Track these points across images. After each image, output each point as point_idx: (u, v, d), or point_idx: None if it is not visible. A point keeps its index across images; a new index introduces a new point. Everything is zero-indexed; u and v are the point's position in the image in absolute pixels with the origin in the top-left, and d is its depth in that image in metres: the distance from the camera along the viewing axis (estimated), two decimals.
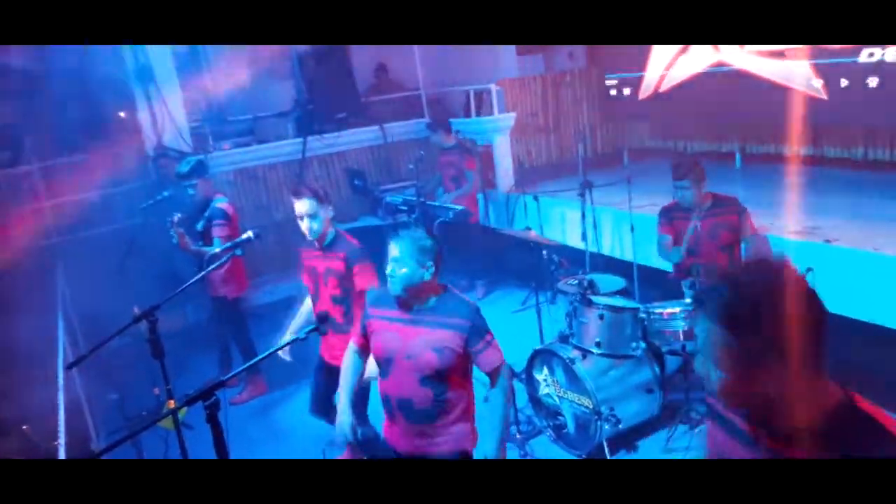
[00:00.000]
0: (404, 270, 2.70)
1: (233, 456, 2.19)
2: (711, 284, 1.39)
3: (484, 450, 2.81)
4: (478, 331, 2.73)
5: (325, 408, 3.98)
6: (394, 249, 2.73)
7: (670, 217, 4.58)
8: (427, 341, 2.71)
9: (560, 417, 4.23)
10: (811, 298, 1.33)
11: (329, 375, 3.85)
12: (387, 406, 2.87)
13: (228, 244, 3.94)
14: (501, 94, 7.49)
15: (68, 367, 3.29)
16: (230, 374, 2.44)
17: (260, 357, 2.49)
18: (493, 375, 2.82)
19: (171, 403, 3.14)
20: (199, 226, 5.04)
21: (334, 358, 3.79)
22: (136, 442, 4.13)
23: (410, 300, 2.78)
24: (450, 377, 2.74)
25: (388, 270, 2.74)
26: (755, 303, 1.31)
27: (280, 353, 3.19)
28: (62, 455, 2.86)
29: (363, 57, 8.76)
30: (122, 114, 6.52)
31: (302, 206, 3.59)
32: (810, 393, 1.34)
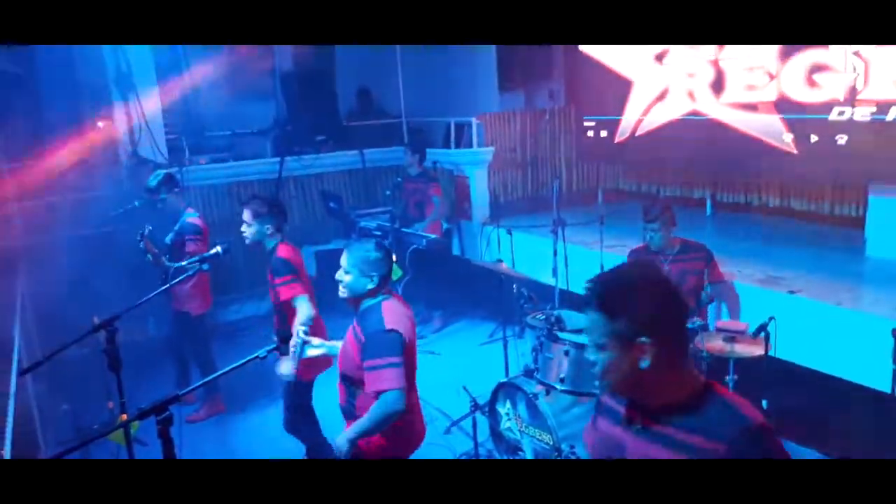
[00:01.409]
0: (348, 278, 2.89)
1: None
2: (592, 280, 1.62)
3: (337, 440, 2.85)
4: (370, 350, 2.78)
5: (292, 426, 4.09)
6: (343, 258, 2.93)
7: (639, 259, 4.63)
8: (346, 343, 2.96)
9: (520, 453, 4.20)
10: (674, 293, 1.58)
11: (285, 390, 4.00)
12: None
13: (195, 258, 3.91)
14: (481, 127, 7.57)
15: (21, 374, 3.20)
16: (186, 390, 2.40)
17: (218, 374, 2.45)
18: (374, 396, 2.78)
19: (124, 417, 3.07)
20: (169, 239, 4.98)
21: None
22: (85, 457, 4.01)
23: (352, 306, 2.97)
24: (357, 384, 2.86)
25: (337, 276, 2.94)
26: (626, 290, 1.56)
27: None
28: None
29: (347, 81, 8.81)
30: (100, 123, 6.44)
31: (243, 215, 3.99)
32: (677, 374, 1.58)
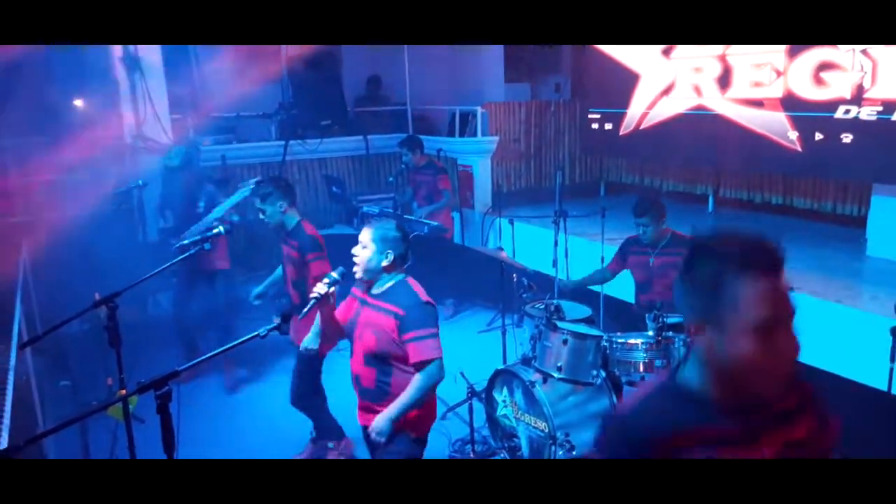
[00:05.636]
0: (366, 252, 2.92)
1: (181, 453, 2.16)
2: (696, 240, 1.47)
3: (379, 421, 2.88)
4: (412, 322, 2.83)
5: (302, 400, 4.20)
6: (361, 234, 2.97)
7: (627, 251, 4.66)
8: (370, 323, 2.91)
9: (515, 439, 4.22)
10: (776, 270, 1.38)
11: (300, 362, 4.08)
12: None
13: (197, 237, 3.93)
14: (486, 116, 7.56)
15: (21, 347, 3.22)
16: (185, 366, 2.39)
17: (216, 352, 2.45)
18: (416, 368, 2.86)
19: (123, 392, 3.08)
20: (202, 205, 5.07)
21: (298, 341, 3.85)
22: (83, 433, 4.03)
23: (369, 283, 2.99)
24: (392, 361, 2.88)
25: (353, 251, 2.95)
26: (711, 270, 1.39)
27: None
28: (5, 438, 2.78)
29: (356, 67, 8.79)
30: (76, 102, 6.38)
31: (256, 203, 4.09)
32: (762, 363, 1.34)
